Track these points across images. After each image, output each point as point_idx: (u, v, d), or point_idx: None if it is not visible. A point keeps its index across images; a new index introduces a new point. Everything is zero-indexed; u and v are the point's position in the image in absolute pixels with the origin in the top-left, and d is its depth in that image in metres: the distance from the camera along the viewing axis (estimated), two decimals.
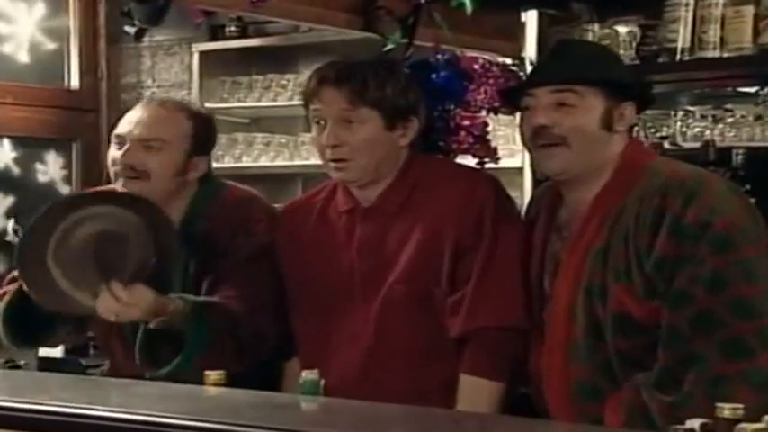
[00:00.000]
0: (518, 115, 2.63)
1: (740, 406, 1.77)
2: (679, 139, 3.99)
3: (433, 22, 3.33)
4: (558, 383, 2.48)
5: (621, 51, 3.70)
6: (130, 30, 3.16)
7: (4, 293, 2.79)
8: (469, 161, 3.10)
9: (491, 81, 3.17)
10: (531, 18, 3.91)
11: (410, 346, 2.66)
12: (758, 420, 1.72)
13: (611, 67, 2.58)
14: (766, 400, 2.16)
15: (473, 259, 2.60)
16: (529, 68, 3.49)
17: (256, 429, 1.66)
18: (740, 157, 3.69)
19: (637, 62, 3.66)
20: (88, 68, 5.27)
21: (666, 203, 2.36)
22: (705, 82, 3.89)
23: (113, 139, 2.81)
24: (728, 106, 4.04)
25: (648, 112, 4.00)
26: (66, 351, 4.06)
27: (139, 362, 2.70)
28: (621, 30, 3.72)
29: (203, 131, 2.84)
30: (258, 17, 4.30)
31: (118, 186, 2.76)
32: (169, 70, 5.49)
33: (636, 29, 3.71)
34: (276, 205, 3.04)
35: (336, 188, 2.78)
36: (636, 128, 3.25)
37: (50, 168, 5.19)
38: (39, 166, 5.17)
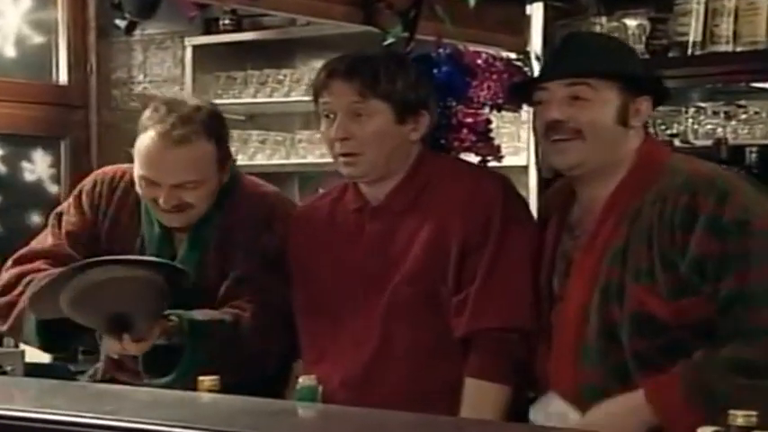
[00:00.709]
0: (522, 112, 2.68)
1: (754, 413, 1.80)
2: (690, 137, 4.04)
3: (434, 16, 3.32)
4: (566, 387, 2.45)
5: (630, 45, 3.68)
6: (121, 23, 3.16)
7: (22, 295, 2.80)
8: (472, 159, 3.08)
9: (494, 76, 3.17)
10: (536, 11, 3.92)
11: (415, 347, 2.65)
12: None
13: (627, 61, 2.57)
14: None
15: (479, 259, 2.60)
16: (534, 63, 3.50)
17: None
18: (754, 155, 3.72)
19: (646, 57, 3.65)
20: (77, 63, 5.23)
21: (697, 202, 2.37)
22: (717, 77, 3.89)
23: (140, 175, 2.79)
24: (741, 102, 4.05)
25: (659, 108, 3.96)
26: (55, 357, 4.01)
27: (142, 368, 2.72)
28: (630, 23, 3.72)
29: (224, 139, 2.86)
30: (253, 10, 4.31)
31: (160, 214, 2.81)
32: (161, 65, 5.48)
33: (645, 22, 3.71)
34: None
35: (347, 188, 2.79)
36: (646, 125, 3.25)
37: (38, 167, 5.16)
38: (26, 165, 5.13)
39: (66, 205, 2.94)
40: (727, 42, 3.50)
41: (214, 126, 2.82)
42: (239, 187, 2.89)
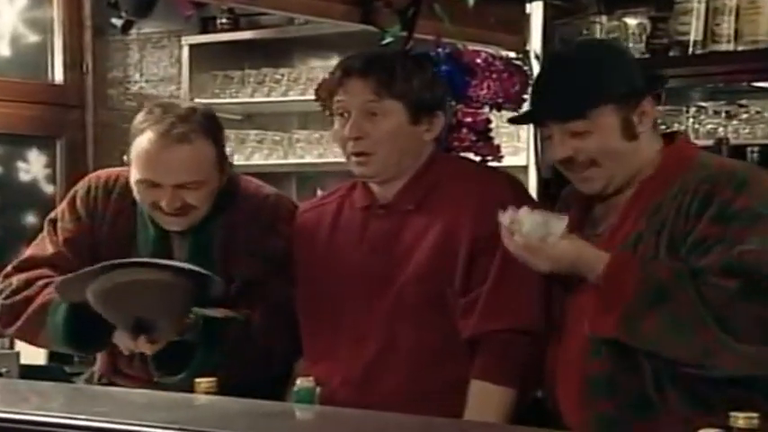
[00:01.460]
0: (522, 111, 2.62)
1: (755, 415, 1.79)
2: (691, 137, 4.02)
3: (433, 14, 3.31)
4: (573, 379, 2.44)
5: (631, 45, 3.72)
6: (117, 22, 3.15)
7: (38, 296, 2.79)
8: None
9: (494, 76, 3.19)
10: (536, 10, 3.92)
11: (418, 347, 2.63)
12: None
13: (614, 78, 2.47)
14: None
15: (489, 261, 2.58)
16: (534, 62, 3.46)
17: None
18: (755, 155, 3.77)
19: (647, 56, 3.65)
20: (73, 62, 5.23)
21: (715, 191, 2.35)
22: (718, 76, 3.88)
23: (139, 179, 2.77)
24: (743, 102, 4.07)
25: (659, 107, 3.95)
26: (50, 359, 4.03)
27: (153, 366, 2.73)
28: (631, 22, 3.72)
29: (221, 140, 2.84)
30: (251, 9, 4.29)
31: (161, 217, 2.78)
32: (158, 64, 5.46)
33: (646, 21, 3.71)
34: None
35: (355, 186, 2.78)
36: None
37: (33, 167, 5.15)
38: (21, 165, 5.13)
39: (61, 211, 2.90)
40: (729, 41, 3.50)
41: (211, 126, 2.80)
42: (238, 189, 2.87)
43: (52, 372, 3.88)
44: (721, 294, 2.24)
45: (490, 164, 3.07)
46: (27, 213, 5.03)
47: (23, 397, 2.17)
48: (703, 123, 4.03)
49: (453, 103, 3.11)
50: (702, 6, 3.54)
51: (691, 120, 4.03)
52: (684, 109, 4.06)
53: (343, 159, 2.72)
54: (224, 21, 5.27)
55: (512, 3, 3.81)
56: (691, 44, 3.53)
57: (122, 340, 2.67)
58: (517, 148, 4.30)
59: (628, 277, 2.31)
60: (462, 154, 3.06)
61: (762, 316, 2.25)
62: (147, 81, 5.43)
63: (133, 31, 4.24)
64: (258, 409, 2.05)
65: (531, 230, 2.35)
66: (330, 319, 2.70)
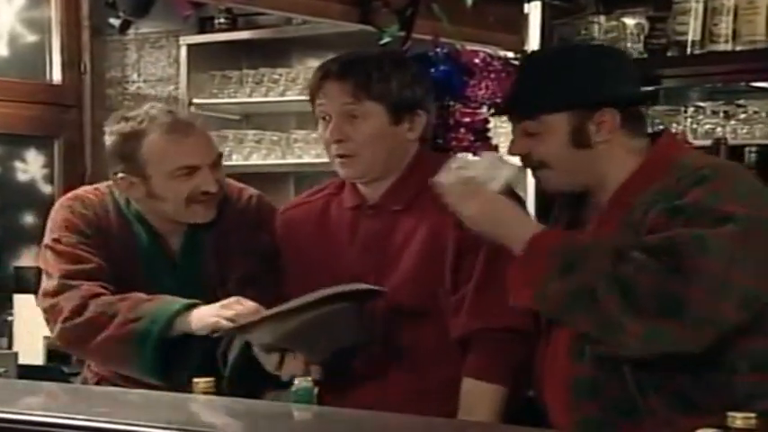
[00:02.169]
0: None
1: (752, 415, 1.79)
2: (689, 137, 3.99)
3: (432, 14, 3.33)
4: (559, 382, 2.43)
5: (629, 45, 3.73)
6: (115, 21, 3.24)
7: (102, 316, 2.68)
8: None
9: (492, 75, 3.25)
10: (534, 10, 3.92)
11: (413, 347, 2.63)
12: None
13: (573, 86, 2.44)
14: None
15: (475, 259, 2.57)
16: None
17: None
18: (753, 155, 3.72)
19: (645, 56, 3.66)
20: (71, 62, 5.22)
21: (678, 187, 2.31)
22: (716, 76, 3.91)
23: (176, 168, 2.71)
24: (741, 102, 4.02)
25: (657, 107, 3.97)
26: (48, 359, 4.03)
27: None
28: (629, 22, 3.73)
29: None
30: (249, 9, 4.29)
31: (196, 209, 2.75)
32: (156, 64, 5.44)
33: (644, 21, 3.71)
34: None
35: (343, 185, 2.78)
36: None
37: (31, 167, 5.15)
38: (18, 165, 5.12)
39: (59, 235, 2.77)
40: (727, 41, 3.51)
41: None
42: (226, 191, 2.85)
43: (50, 372, 3.89)
44: (632, 266, 2.21)
45: None
46: (25, 213, 5.03)
47: (21, 397, 2.16)
48: (701, 123, 4.00)
49: (451, 102, 3.12)
50: (701, 6, 3.55)
51: (689, 120, 4.00)
52: (682, 109, 4.03)
53: None
54: (222, 21, 5.25)
55: (510, 3, 3.83)
56: (689, 44, 3.55)
57: (288, 369, 2.55)
58: None
59: (547, 249, 2.30)
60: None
61: (664, 290, 2.20)
62: (144, 81, 5.42)
63: (131, 30, 4.24)
64: (257, 409, 2.06)
65: (478, 173, 2.35)
66: None
